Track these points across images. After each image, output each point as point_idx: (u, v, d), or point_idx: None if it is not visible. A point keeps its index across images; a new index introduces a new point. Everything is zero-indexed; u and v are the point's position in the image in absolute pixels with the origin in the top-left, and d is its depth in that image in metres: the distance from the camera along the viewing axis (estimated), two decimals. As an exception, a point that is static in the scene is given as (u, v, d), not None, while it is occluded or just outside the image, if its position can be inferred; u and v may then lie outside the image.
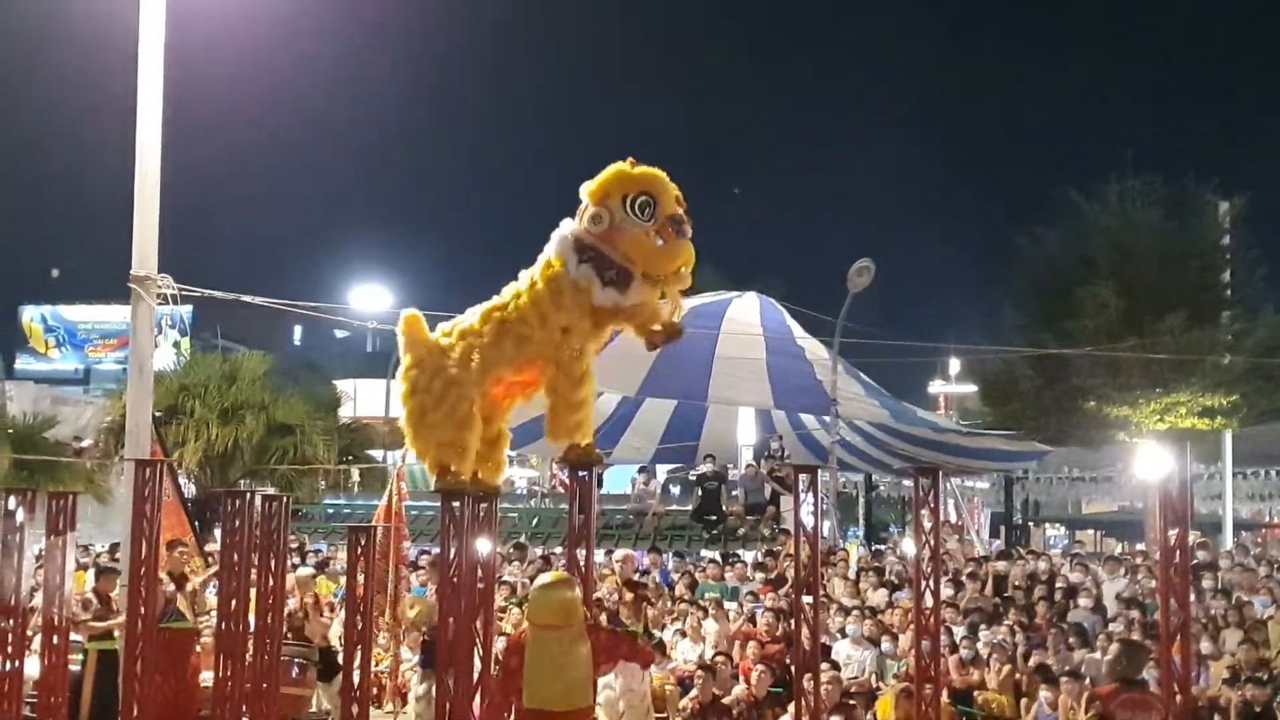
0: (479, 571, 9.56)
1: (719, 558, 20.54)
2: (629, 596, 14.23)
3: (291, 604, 13.23)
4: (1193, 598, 10.52)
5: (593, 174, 9.01)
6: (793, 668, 11.04)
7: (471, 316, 9.56)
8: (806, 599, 9.69)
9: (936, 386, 56.18)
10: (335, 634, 14.04)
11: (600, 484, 25.24)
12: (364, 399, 36.40)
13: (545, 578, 9.46)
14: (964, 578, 17.29)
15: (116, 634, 12.64)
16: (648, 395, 25.37)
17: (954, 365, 52.83)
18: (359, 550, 10.64)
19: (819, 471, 10.03)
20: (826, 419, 23.31)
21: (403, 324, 9.77)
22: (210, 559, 15.71)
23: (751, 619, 15.87)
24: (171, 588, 13.24)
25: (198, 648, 13.40)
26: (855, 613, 15.61)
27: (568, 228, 9.08)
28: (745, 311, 26.21)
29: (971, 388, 52.17)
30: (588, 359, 9.36)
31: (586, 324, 9.17)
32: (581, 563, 9.57)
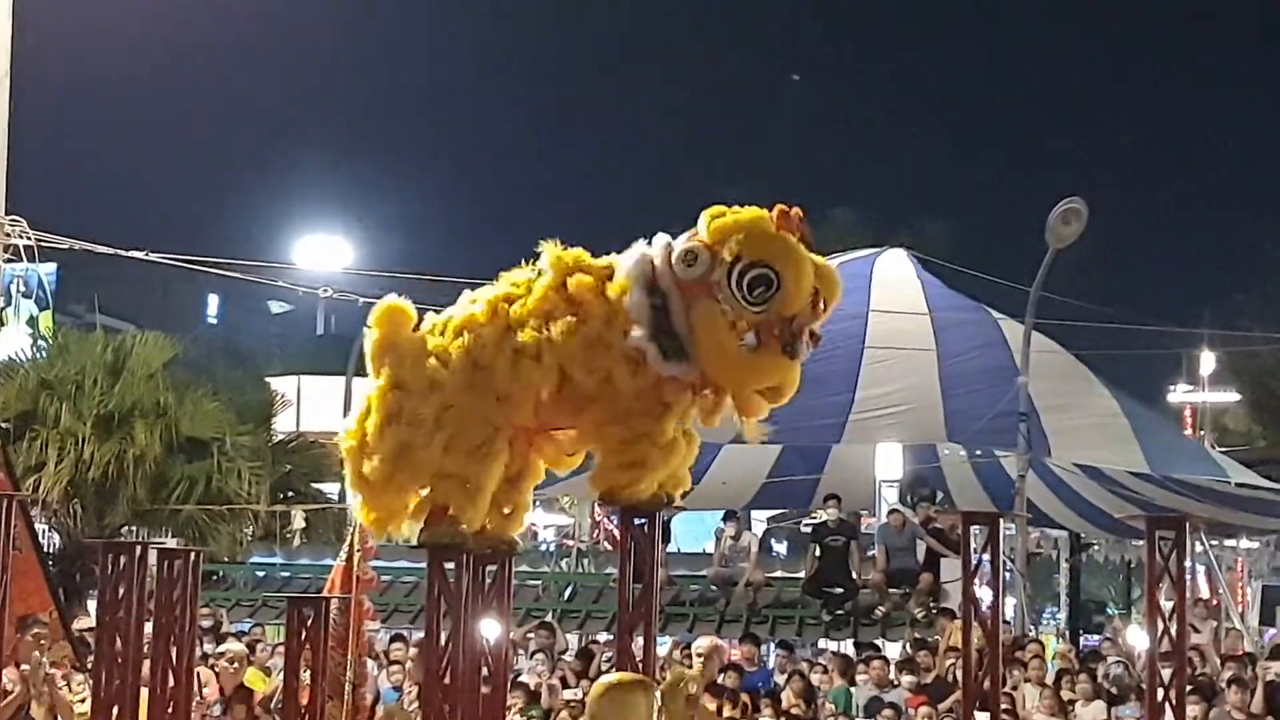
0: (484, 666, 9.54)
1: (847, 650, 20.42)
2: (711, 706, 14.19)
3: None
4: None
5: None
6: (960, 820, 10.96)
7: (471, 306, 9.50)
8: (981, 716, 9.62)
9: (1179, 394, 55.78)
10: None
11: (667, 538, 25.38)
12: (312, 404, 36.62)
13: (611, 678, 9.45)
14: (1223, 684, 17.12)
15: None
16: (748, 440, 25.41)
17: (1207, 362, 52.30)
18: (302, 633, 10.65)
19: (1001, 522, 9.95)
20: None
21: (378, 317, 9.71)
22: (81, 645, 15.80)
23: (896, 745, 15.77)
24: (20, 687, 13.33)
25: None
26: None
27: (657, 248, 9.01)
28: (896, 279, 26.13)
29: (1232, 395, 51.82)
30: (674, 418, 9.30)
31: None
32: (639, 656, 9.55)
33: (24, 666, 13.57)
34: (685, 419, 9.26)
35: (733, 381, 8.93)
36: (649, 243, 9.02)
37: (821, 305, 8.86)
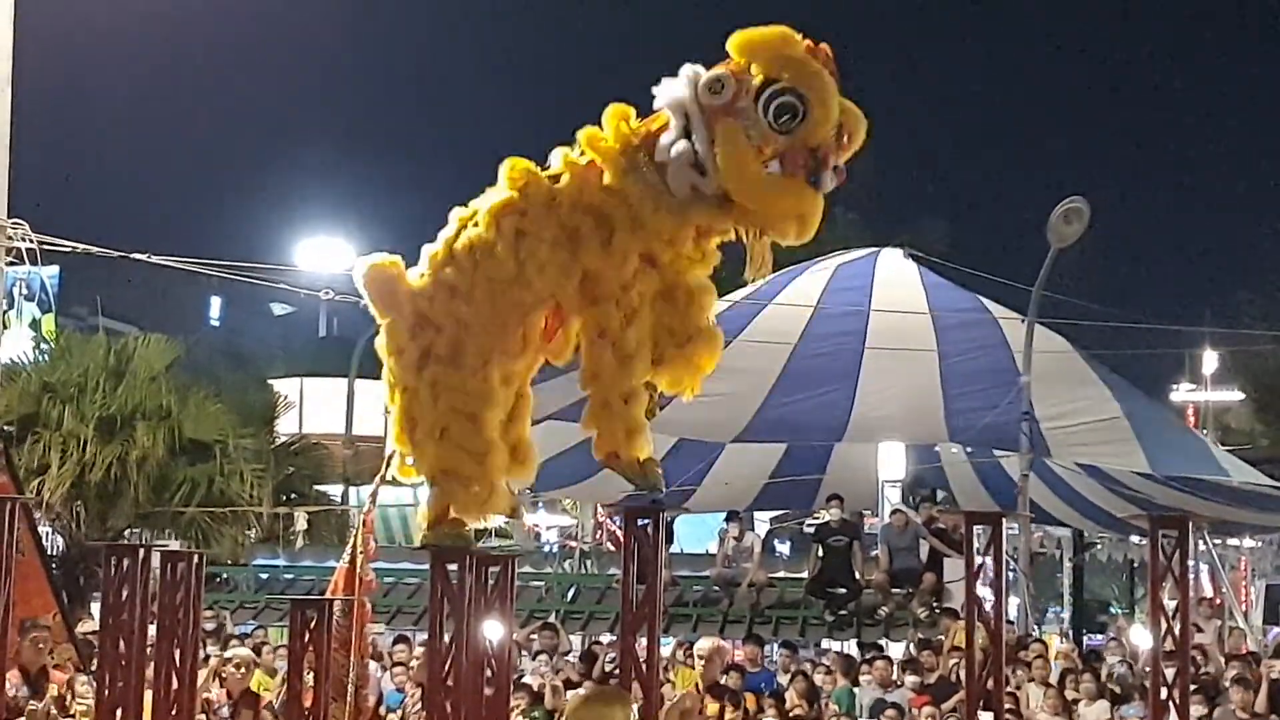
0: (487, 668, 9.54)
1: (850, 651, 20.42)
2: (713, 708, 14.21)
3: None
4: None
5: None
6: (964, 820, 10.96)
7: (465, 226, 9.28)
8: (985, 716, 9.62)
9: (1182, 393, 55.73)
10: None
11: (670, 539, 25.39)
12: (315, 407, 36.67)
13: (584, 691, 9.44)
14: (1227, 683, 17.12)
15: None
16: (753, 440, 25.42)
17: (1209, 361, 52.29)
18: (305, 635, 10.66)
19: (1004, 522, 9.94)
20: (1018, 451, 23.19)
21: (366, 279, 9.52)
22: (85, 646, 15.81)
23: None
24: (25, 690, 13.34)
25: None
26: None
27: (684, 75, 8.79)
28: (897, 279, 26.13)
29: (1235, 395, 51.83)
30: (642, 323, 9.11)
31: (685, 240, 8.93)
32: (643, 657, 9.54)
33: (32, 705, 13.55)
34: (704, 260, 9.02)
35: (757, 203, 8.59)
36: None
37: (846, 139, 8.58)
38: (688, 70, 8.60)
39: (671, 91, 8.60)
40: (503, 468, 9.20)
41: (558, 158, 8.93)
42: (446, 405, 9.07)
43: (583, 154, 8.81)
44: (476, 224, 9.01)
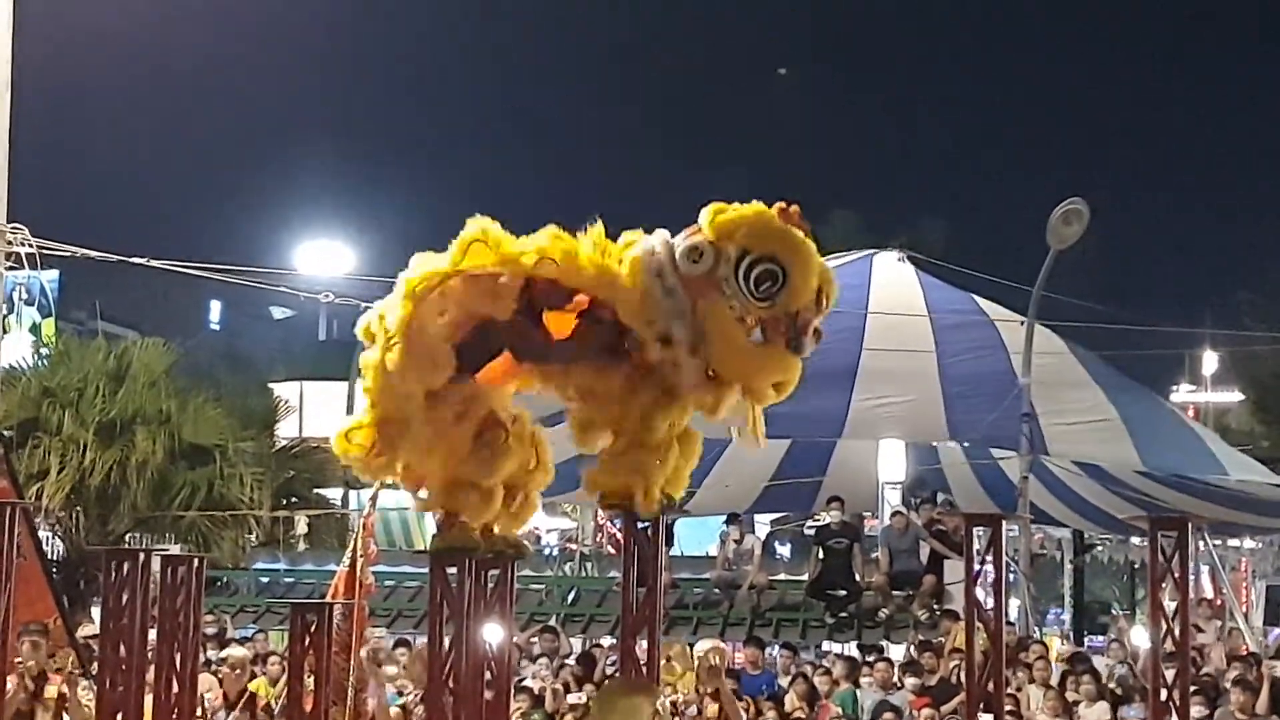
0: (486, 670, 9.54)
1: (851, 653, 20.40)
2: (712, 709, 14.20)
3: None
4: None
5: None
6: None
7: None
8: (985, 718, 9.61)
9: (1182, 394, 55.76)
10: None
11: (671, 541, 25.34)
12: (315, 410, 36.63)
13: (615, 683, 9.44)
14: (1227, 684, 17.11)
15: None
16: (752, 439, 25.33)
17: (1209, 362, 52.32)
18: (306, 638, 10.66)
19: (1004, 524, 9.94)
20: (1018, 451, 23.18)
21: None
22: (85, 650, 15.80)
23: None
24: (24, 695, 13.33)
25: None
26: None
27: (657, 241, 8.96)
28: (895, 280, 26.12)
29: (1235, 395, 51.82)
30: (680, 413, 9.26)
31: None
32: (643, 659, 9.55)
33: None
34: (684, 418, 9.23)
35: (742, 377, 8.86)
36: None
37: (824, 301, 8.81)
38: (660, 235, 8.85)
39: (652, 255, 8.81)
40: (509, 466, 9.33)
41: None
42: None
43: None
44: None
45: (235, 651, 15.89)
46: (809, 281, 8.68)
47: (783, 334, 8.69)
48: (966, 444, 25.72)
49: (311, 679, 10.66)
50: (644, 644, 9.59)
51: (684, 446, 9.36)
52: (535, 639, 20.15)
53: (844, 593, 23.02)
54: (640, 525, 9.56)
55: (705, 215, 8.78)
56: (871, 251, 28.32)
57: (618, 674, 9.66)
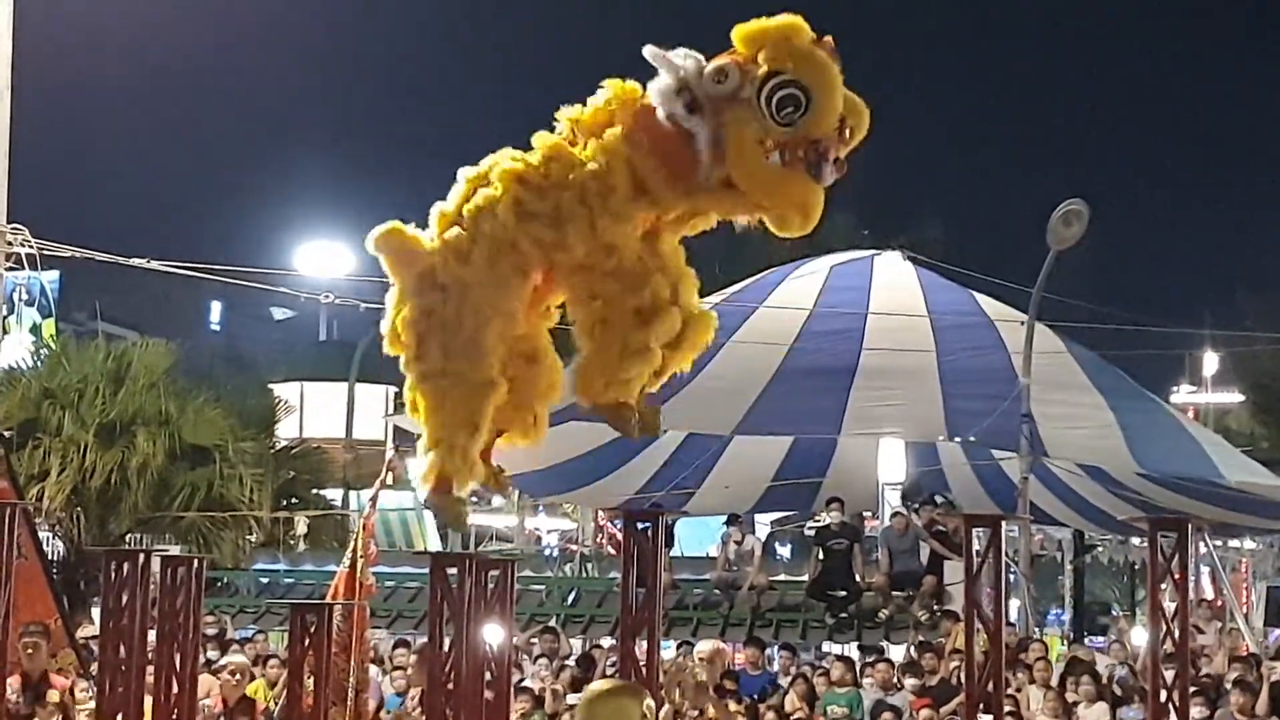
0: (486, 671, 9.54)
1: (851, 653, 20.41)
2: (711, 712, 14.18)
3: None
4: None
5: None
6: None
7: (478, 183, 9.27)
8: (985, 718, 9.61)
9: (1182, 395, 55.76)
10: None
11: (671, 542, 25.34)
12: (315, 411, 36.68)
13: (599, 685, 9.44)
14: (1228, 685, 17.12)
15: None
16: (753, 431, 25.39)
17: (1209, 363, 52.30)
18: (306, 639, 10.66)
19: (1004, 524, 9.94)
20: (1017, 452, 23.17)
21: (378, 242, 9.46)
22: (86, 651, 15.81)
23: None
24: (21, 698, 13.33)
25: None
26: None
27: (689, 62, 8.79)
28: (895, 280, 26.14)
29: (1235, 397, 51.81)
30: (660, 271, 9.10)
31: (675, 203, 8.94)
32: (642, 660, 9.55)
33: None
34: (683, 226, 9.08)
35: (761, 192, 8.63)
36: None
37: (848, 132, 8.61)
38: (693, 56, 8.61)
39: (674, 75, 8.60)
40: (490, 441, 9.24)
41: (590, 106, 9.00)
42: (447, 372, 9.09)
43: (604, 115, 8.90)
44: (487, 184, 9.04)
45: (235, 658, 15.87)
46: (833, 108, 8.47)
47: (801, 159, 8.48)
48: (965, 442, 25.71)
49: (311, 680, 10.66)
50: (644, 645, 9.60)
51: (698, 324, 9.16)
52: (535, 640, 20.16)
53: (844, 593, 23.03)
54: (640, 526, 9.58)
55: (736, 33, 8.56)
56: (873, 252, 28.36)
57: (616, 675, 9.65)
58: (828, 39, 8.55)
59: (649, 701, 8.95)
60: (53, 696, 14.04)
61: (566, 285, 9.10)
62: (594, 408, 9.13)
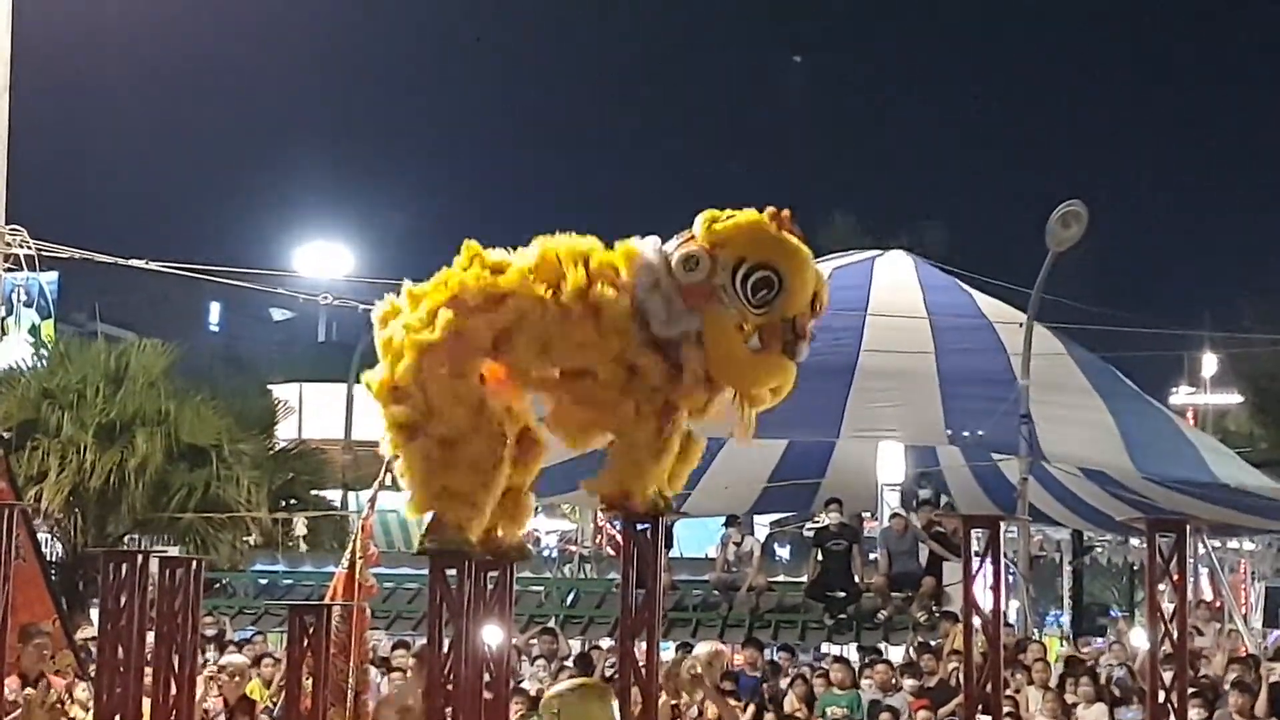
0: (485, 672, 9.54)
1: (850, 654, 20.40)
2: (712, 712, 14.18)
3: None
4: None
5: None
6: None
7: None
8: (984, 719, 9.61)
9: (1182, 395, 55.77)
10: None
11: (670, 543, 25.34)
12: (314, 412, 36.66)
13: (567, 684, 9.44)
14: (1226, 686, 17.11)
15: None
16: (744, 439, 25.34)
17: (1208, 364, 52.29)
18: (304, 640, 10.66)
19: (1003, 525, 9.94)
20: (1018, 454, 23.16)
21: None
22: (85, 652, 15.79)
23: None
24: (20, 699, 13.31)
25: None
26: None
27: (652, 248, 8.98)
28: (895, 282, 26.13)
29: (1234, 398, 51.80)
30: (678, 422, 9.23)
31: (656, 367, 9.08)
32: (642, 661, 9.54)
33: (28, 690, 13.54)
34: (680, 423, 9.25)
35: (741, 383, 8.93)
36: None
37: (818, 305, 8.94)
38: (654, 244, 8.91)
39: (650, 262, 8.87)
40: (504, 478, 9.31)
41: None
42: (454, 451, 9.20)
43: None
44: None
45: (234, 659, 15.86)
46: (805, 287, 8.81)
47: (780, 340, 8.77)
48: (965, 445, 25.70)
49: (310, 681, 10.65)
50: (643, 646, 9.59)
51: (684, 450, 9.33)
52: (534, 640, 20.15)
53: (843, 594, 23.02)
54: (639, 527, 9.57)
55: (700, 223, 8.83)
56: (875, 253, 28.36)
57: (615, 676, 9.64)
58: (786, 213, 8.84)
59: (614, 702, 8.97)
60: (51, 697, 14.03)
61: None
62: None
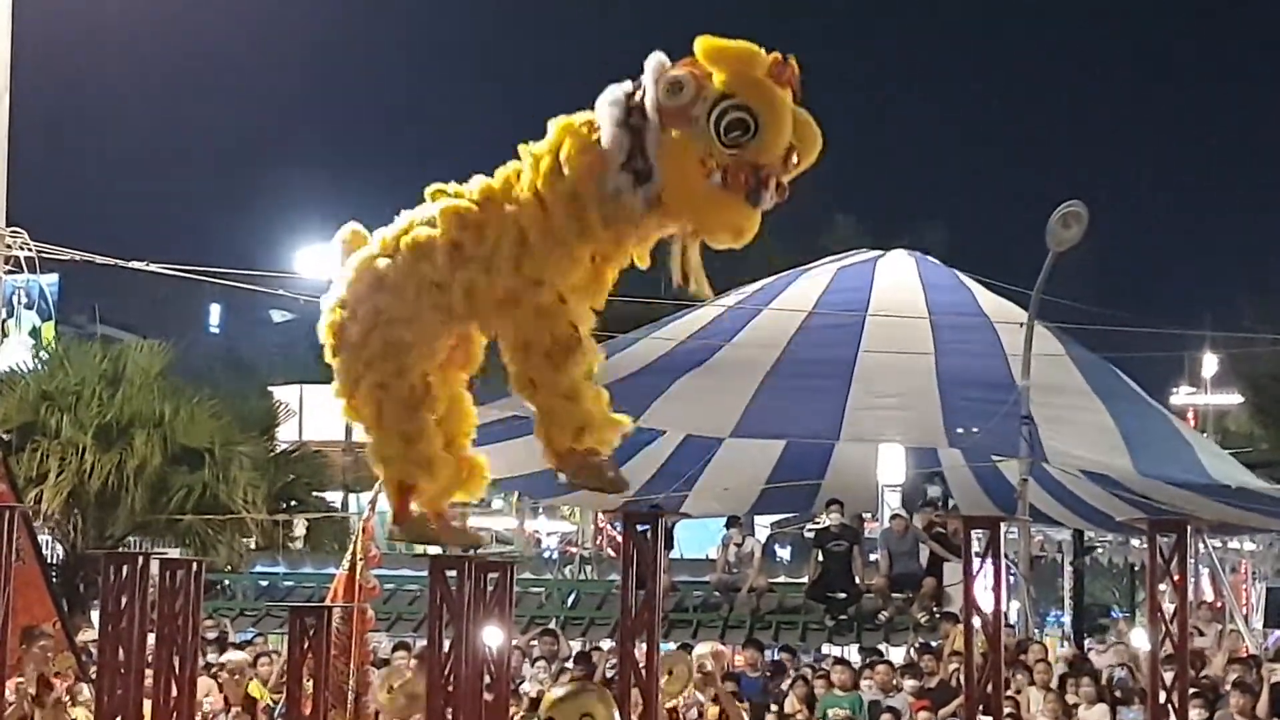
0: (486, 673, 9.53)
1: (850, 655, 20.39)
2: (713, 712, 14.19)
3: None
4: None
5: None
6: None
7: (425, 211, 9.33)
8: (984, 720, 9.61)
9: (1181, 396, 55.74)
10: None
11: (670, 544, 25.34)
12: (314, 413, 36.58)
13: (561, 689, 9.44)
14: (1227, 687, 17.11)
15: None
16: (749, 435, 25.38)
17: (1209, 364, 52.28)
18: (305, 641, 10.65)
19: (1003, 526, 9.94)
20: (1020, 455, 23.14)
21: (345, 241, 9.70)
22: (85, 654, 15.80)
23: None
24: (25, 701, 13.32)
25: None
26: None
27: (651, 65, 8.80)
28: (897, 282, 26.13)
29: (1234, 398, 51.80)
30: (585, 314, 9.13)
31: (607, 245, 9.00)
32: (642, 662, 9.54)
33: (21, 679, 13.55)
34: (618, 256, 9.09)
35: (692, 211, 8.69)
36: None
37: (794, 159, 8.66)
38: (653, 61, 8.65)
39: (617, 101, 8.71)
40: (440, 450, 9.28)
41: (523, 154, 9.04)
42: (381, 392, 9.22)
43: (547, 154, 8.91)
44: (428, 224, 9.20)
45: (234, 656, 15.88)
46: (780, 139, 8.50)
47: (743, 183, 8.50)
48: (963, 448, 25.69)
49: (310, 683, 10.64)
50: (643, 647, 9.59)
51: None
52: (535, 642, 20.15)
53: (844, 595, 23.03)
54: (640, 528, 9.57)
55: (699, 44, 8.60)
56: (878, 253, 28.36)
57: (615, 678, 9.64)
58: (791, 62, 8.58)
59: (614, 706, 8.97)
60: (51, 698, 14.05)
61: (494, 332, 9.22)
62: (568, 468, 9.13)
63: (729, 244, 8.73)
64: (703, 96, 8.45)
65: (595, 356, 9.02)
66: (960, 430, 23.98)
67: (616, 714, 8.96)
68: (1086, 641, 26.95)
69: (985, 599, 9.60)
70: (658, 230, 8.87)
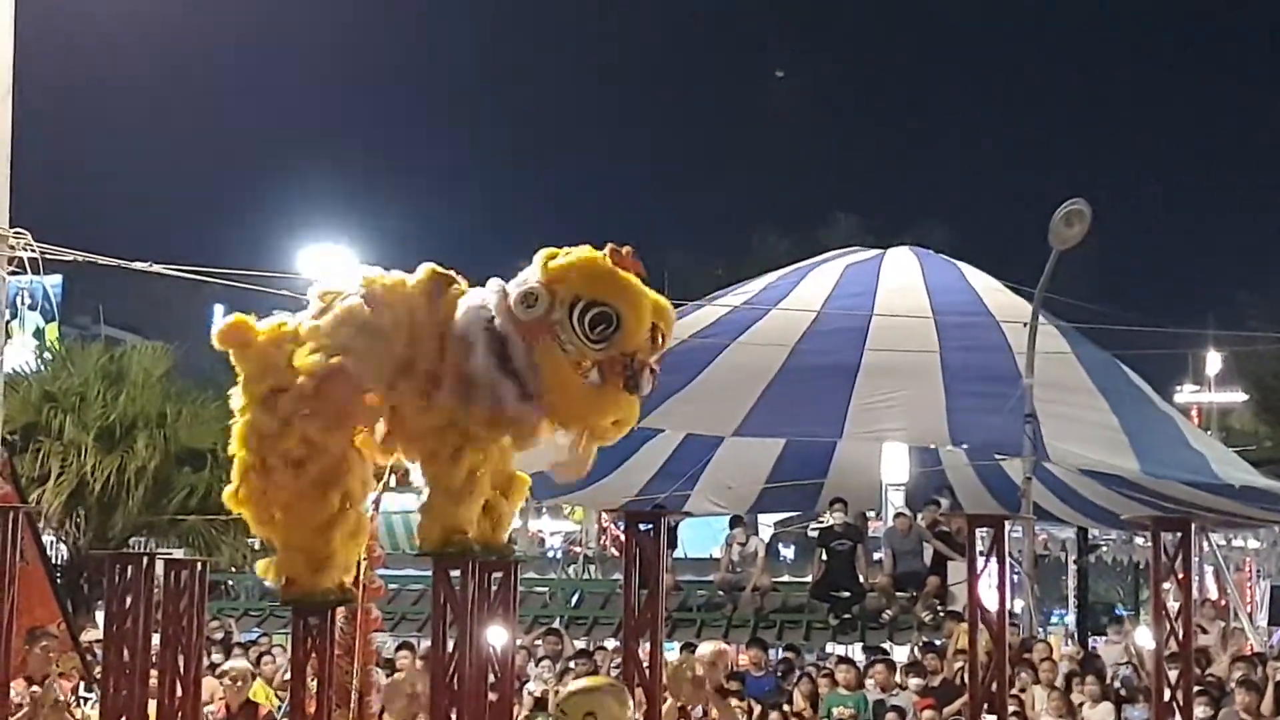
0: (490, 672, 9.53)
1: (855, 654, 20.38)
2: (714, 713, 14.16)
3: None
4: None
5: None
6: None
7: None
8: (989, 719, 9.60)
9: (1185, 395, 55.72)
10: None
11: (674, 544, 25.35)
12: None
13: (581, 682, 9.43)
14: (1232, 685, 17.10)
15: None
16: (753, 433, 25.37)
17: (1213, 362, 52.24)
18: (309, 642, 10.65)
19: (1007, 524, 9.93)
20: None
21: (221, 337, 9.87)
22: (90, 655, 15.79)
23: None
24: (29, 707, 13.30)
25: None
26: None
27: (492, 291, 9.07)
28: (901, 282, 26.13)
29: (1239, 396, 51.79)
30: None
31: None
32: (645, 661, 9.54)
33: (35, 688, 13.56)
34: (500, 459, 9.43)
35: (578, 418, 8.99)
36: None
37: (660, 339, 8.96)
38: (495, 285, 8.99)
39: (474, 309, 9.03)
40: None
41: None
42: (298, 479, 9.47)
43: None
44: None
45: (237, 663, 15.83)
46: (642, 323, 8.81)
47: (619, 374, 8.79)
48: (966, 447, 25.69)
49: (314, 682, 10.64)
50: (647, 647, 9.59)
51: (510, 489, 9.65)
52: (539, 641, 20.15)
53: (848, 594, 23.04)
54: (643, 528, 9.59)
55: (537, 261, 8.92)
56: (881, 252, 28.36)
57: (619, 677, 9.63)
58: (626, 249, 8.91)
59: (630, 702, 8.96)
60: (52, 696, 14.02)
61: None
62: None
63: (614, 436, 9.13)
64: (559, 302, 8.78)
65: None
66: (966, 445, 24.00)
67: (630, 713, 8.94)
68: (1090, 639, 26.93)
69: (989, 597, 9.60)
70: (543, 435, 9.17)
